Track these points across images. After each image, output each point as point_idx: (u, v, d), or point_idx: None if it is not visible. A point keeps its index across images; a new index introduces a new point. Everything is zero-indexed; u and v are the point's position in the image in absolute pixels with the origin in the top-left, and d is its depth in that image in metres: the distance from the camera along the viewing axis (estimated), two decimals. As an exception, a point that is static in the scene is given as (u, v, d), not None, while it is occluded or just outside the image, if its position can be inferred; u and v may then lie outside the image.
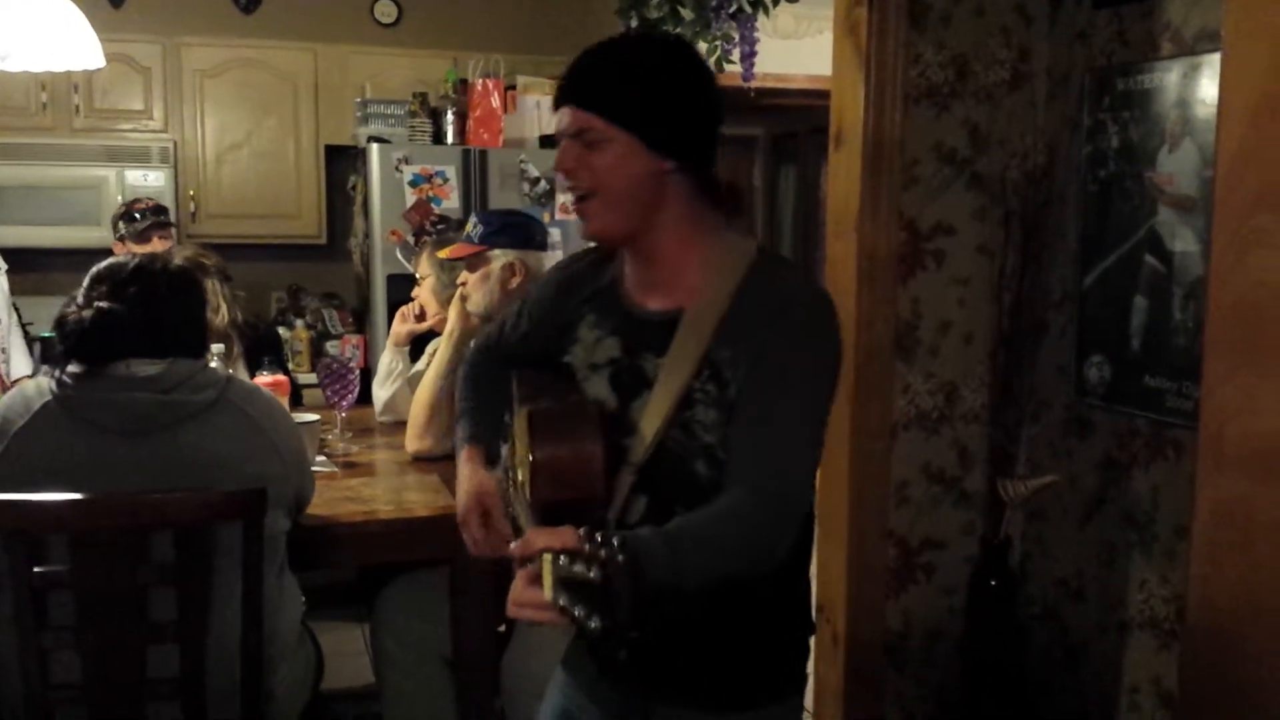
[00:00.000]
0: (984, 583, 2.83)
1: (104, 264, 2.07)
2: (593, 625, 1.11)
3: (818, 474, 1.96)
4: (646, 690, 1.57)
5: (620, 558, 1.13)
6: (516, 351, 1.78)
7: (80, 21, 3.04)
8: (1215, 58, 2.30)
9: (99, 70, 4.15)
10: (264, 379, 3.05)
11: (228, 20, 5.02)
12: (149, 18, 4.88)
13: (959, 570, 2.89)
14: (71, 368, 1.96)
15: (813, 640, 1.68)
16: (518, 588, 1.24)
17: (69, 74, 4.55)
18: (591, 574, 1.12)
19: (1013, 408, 2.82)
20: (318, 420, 2.83)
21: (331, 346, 4.95)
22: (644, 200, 1.49)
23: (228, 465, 1.98)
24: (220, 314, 3.22)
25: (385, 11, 5.24)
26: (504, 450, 1.78)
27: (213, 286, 3.22)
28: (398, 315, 3.29)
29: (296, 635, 2.25)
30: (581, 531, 1.17)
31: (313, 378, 3.89)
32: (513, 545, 1.28)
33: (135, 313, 1.96)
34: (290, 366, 4.74)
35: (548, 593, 1.15)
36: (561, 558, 1.13)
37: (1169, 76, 2.42)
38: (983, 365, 2.85)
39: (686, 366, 1.46)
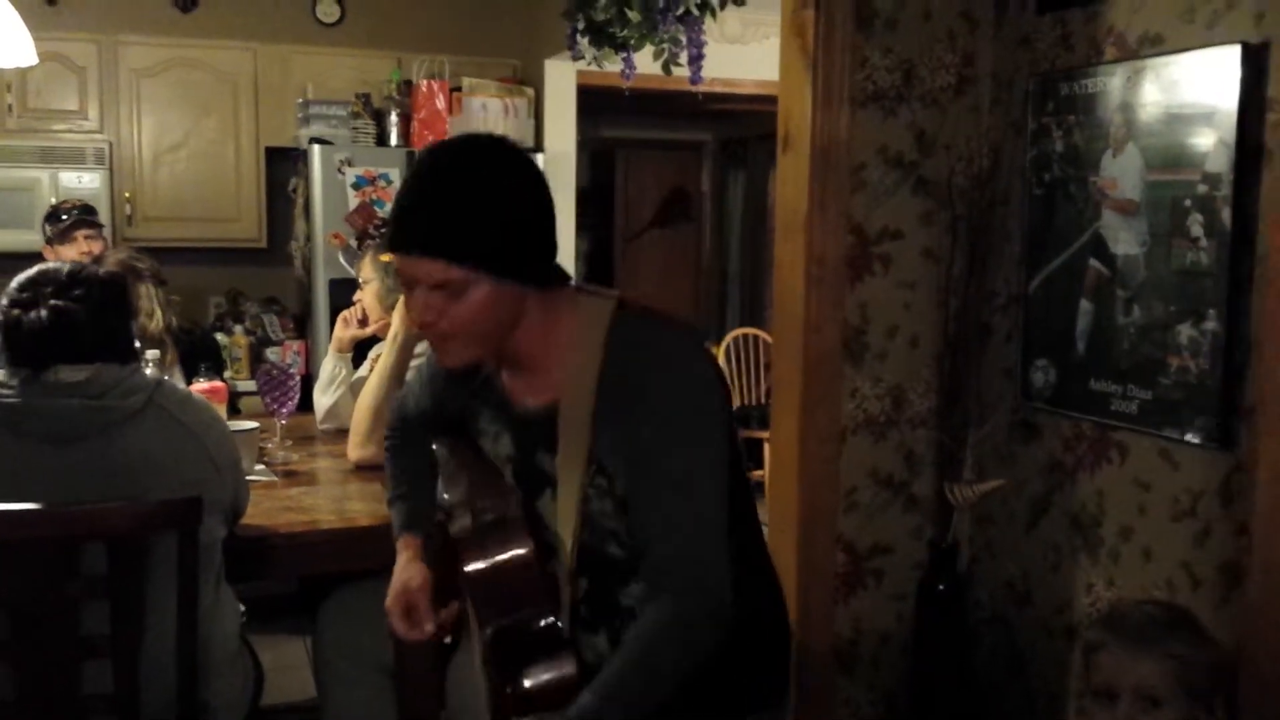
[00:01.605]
0: (932, 587, 2.83)
1: (33, 270, 2.02)
2: None
3: (766, 477, 1.92)
4: None
5: None
6: (429, 424, 1.78)
7: (12, 17, 2.96)
8: (1158, 62, 2.32)
9: (32, 69, 4.06)
10: (200, 386, 2.98)
11: (165, 19, 4.93)
12: (84, 16, 4.78)
13: (908, 575, 2.89)
14: None
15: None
16: None
17: (0, 72, 4.44)
18: None
19: (959, 412, 2.82)
20: (257, 428, 2.77)
21: (272, 353, 4.87)
22: (503, 325, 1.45)
23: (161, 470, 1.94)
24: (155, 319, 3.15)
25: (327, 11, 5.17)
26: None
27: (147, 291, 3.15)
28: (339, 320, 3.23)
29: (234, 647, 2.20)
30: None
31: (252, 385, 3.81)
32: None
33: (65, 319, 1.92)
34: (229, 373, 4.65)
35: None
36: None
37: (1112, 81, 2.43)
38: (929, 369, 2.85)
39: (579, 464, 1.45)
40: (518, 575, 1.46)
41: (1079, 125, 2.52)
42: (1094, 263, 2.49)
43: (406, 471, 1.83)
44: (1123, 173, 2.41)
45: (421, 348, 2.83)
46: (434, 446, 1.76)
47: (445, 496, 1.68)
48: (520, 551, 1.47)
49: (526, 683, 1.43)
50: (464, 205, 1.38)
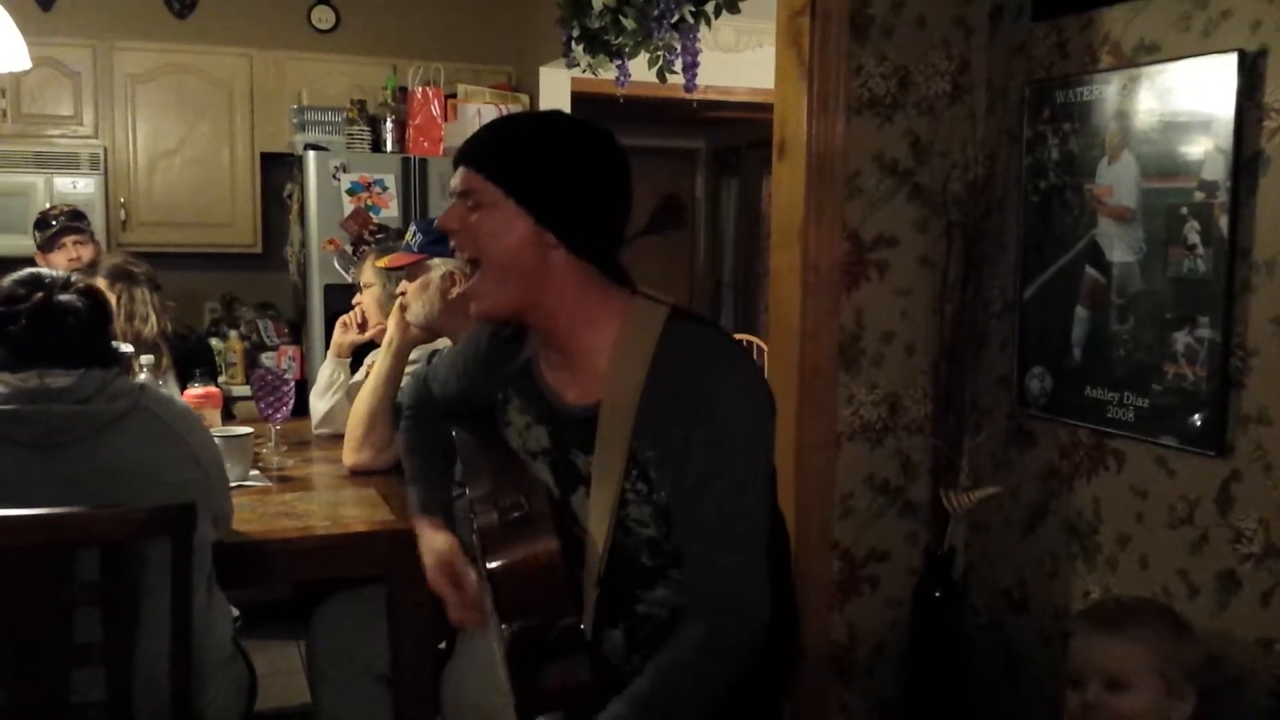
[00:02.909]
0: (928, 594, 2.83)
1: (24, 272, 2.02)
2: None
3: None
4: None
5: None
6: (450, 411, 1.76)
7: (6, 22, 2.96)
8: (1154, 69, 2.32)
9: (27, 74, 4.05)
10: (195, 391, 2.98)
11: (161, 24, 4.93)
12: (79, 21, 4.77)
13: (903, 582, 2.88)
14: None
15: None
16: None
17: (-6, 77, 4.43)
18: None
19: (955, 419, 2.82)
20: (251, 433, 2.76)
21: (267, 358, 4.86)
22: (525, 272, 1.43)
23: (149, 474, 1.93)
24: (149, 324, 3.14)
25: (323, 17, 5.17)
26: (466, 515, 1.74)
27: (141, 296, 3.15)
28: (338, 325, 3.22)
29: (227, 653, 2.19)
30: None
31: (247, 390, 3.80)
32: None
33: (57, 321, 1.92)
34: (224, 378, 4.64)
35: None
36: None
37: (1108, 88, 2.43)
38: (925, 376, 2.85)
39: (615, 468, 1.44)
40: (543, 574, 1.43)
41: (1075, 133, 2.53)
42: (1090, 270, 2.50)
43: (423, 453, 1.80)
44: (1119, 180, 2.42)
45: (416, 354, 2.82)
46: (454, 435, 1.74)
47: (466, 490, 1.65)
48: (546, 550, 1.44)
49: (542, 683, 1.42)
50: (507, 132, 1.47)
